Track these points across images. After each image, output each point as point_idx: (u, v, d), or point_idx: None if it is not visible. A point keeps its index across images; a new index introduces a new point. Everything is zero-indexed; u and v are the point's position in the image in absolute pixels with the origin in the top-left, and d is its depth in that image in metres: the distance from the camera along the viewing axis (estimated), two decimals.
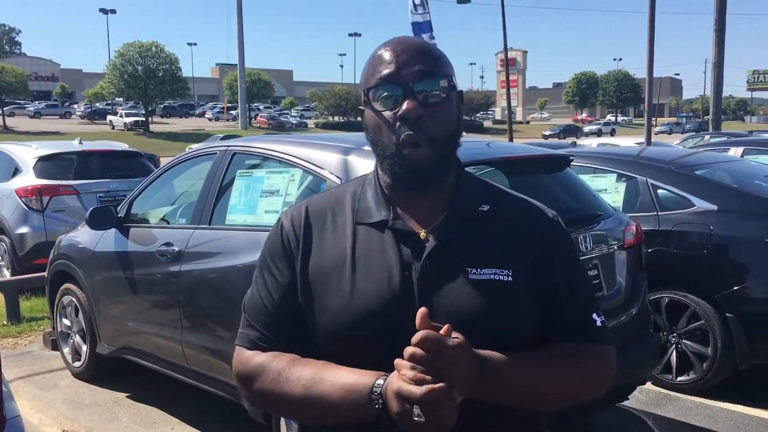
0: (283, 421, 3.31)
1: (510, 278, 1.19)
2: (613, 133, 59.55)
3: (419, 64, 1.20)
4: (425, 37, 8.93)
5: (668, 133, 60.61)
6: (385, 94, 1.20)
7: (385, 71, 1.20)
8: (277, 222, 1.33)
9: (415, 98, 1.18)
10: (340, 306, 1.20)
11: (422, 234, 1.22)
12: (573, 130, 64.36)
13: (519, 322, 1.20)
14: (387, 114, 1.20)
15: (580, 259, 1.09)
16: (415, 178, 1.20)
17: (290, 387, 1.18)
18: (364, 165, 3.22)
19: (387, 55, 1.21)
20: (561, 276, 1.26)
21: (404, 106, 1.18)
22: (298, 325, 1.26)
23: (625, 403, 4.06)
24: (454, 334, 1.07)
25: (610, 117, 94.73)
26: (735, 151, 8.88)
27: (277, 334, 1.26)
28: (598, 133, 58.79)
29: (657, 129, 65.33)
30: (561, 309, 1.25)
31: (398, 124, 1.18)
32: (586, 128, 69.72)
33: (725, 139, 13.65)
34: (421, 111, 1.18)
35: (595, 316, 1.28)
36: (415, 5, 8.82)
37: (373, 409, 1.09)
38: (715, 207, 4.56)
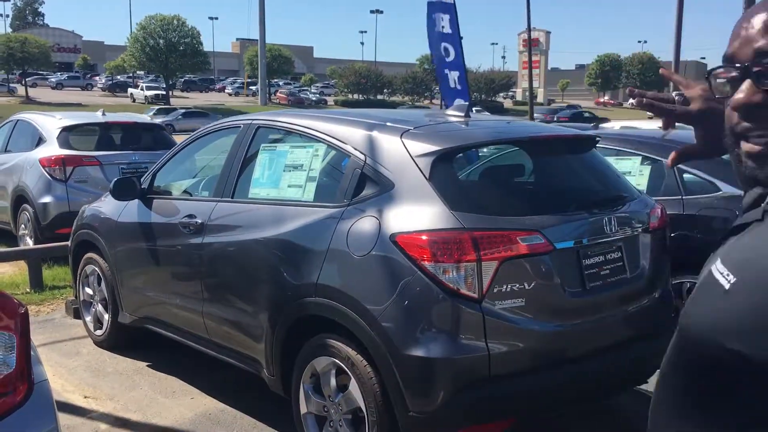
0: (302, 391, 3.34)
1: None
2: None
3: (764, 39, 0.90)
4: (443, 18, 8.48)
5: None
6: (721, 76, 0.98)
7: (727, 49, 0.96)
8: None
9: (755, 83, 0.91)
10: None
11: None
12: None
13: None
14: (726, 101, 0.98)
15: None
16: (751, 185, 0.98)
17: None
18: (388, 141, 3.20)
19: (735, 26, 0.96)
20: None
21: (736, 93, 0.94)
22: None
23: (643, 386, 4.05)
24: None
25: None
26: None
27: None
28: None
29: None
30: None
31: (735, 114, 0.96)
32: None
33: None
34: (758, 99, 0.91)
35: None
36: None
37: None
38: (741, 192, 4.48)
